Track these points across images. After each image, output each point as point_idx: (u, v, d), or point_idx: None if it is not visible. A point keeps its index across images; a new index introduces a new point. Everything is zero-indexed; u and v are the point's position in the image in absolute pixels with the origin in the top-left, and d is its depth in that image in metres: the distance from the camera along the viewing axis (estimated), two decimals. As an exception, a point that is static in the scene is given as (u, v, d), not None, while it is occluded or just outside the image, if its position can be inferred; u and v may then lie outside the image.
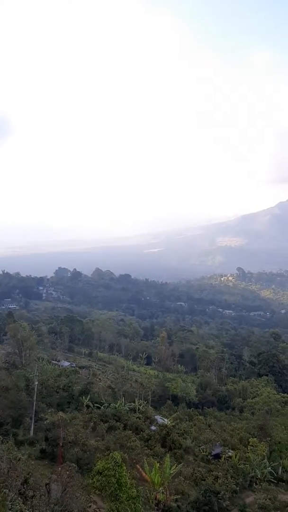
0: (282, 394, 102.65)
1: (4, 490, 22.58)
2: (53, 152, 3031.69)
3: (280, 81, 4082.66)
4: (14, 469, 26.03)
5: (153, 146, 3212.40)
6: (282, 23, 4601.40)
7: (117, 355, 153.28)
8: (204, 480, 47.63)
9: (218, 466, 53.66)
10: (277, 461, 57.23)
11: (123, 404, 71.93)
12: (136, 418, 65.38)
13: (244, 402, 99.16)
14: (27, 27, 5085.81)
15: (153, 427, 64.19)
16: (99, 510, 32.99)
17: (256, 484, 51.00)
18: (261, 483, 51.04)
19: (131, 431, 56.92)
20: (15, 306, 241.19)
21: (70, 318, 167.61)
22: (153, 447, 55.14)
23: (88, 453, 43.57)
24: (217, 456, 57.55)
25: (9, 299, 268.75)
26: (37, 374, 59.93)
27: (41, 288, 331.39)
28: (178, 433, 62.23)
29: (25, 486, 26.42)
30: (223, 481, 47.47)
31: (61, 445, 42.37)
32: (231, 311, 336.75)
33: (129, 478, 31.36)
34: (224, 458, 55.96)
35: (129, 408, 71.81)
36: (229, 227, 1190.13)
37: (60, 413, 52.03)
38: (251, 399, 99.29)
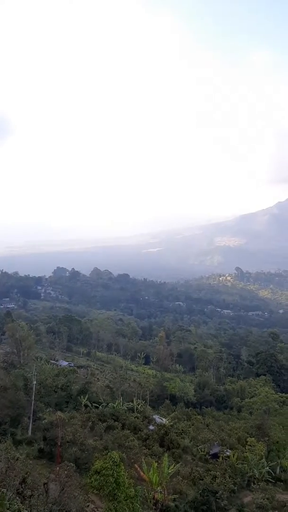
0: (280, 393, 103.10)
1: (2, 490, 22.62)
2: (53, 152, 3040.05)
3: (280, 81, 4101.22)
4: (12, 469, 26.02)
5: (153, 146, 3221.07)
6: (282, 23, 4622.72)
7: (115, 354, 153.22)
8: (202, 479, 47.60)
9: (216, 465, 53.75)
10: (275, 461, 57.46)
11: (121, 403, 72.01)
12: (134, 417, 65.46)
13: (242, 401, 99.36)
14: (28, 27, 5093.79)
15: (151, 427, 64.16)
16: (97, 510, 32.95)
17: (254, 483, 51.15)
18: (259, 483, 51.17)
19: (129, 431, 56.85)
20: (13, 305, 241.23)
21: (69, 318, 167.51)
22: (151, 447, 55.11)
23: (86, 452, 43.52)
24: (215, 456, 57.67)
25: (8, 299, 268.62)
26: (35, 373, 60.04)
27: (39, 287, 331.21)
28: (176, 433, 62.30)
29: (23, 485, 26.44)
30: (221, 480, 47.52)
31: (59, 444, 42.33)
32: (229, 311, 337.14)
33: (127, 478, 31.29)
34: (222, 458, 56.04)
35: (127, 407, 71.93)
36: (227, 227, 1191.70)
37: (58, 413, 52.11)
38: (249, 398, 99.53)
